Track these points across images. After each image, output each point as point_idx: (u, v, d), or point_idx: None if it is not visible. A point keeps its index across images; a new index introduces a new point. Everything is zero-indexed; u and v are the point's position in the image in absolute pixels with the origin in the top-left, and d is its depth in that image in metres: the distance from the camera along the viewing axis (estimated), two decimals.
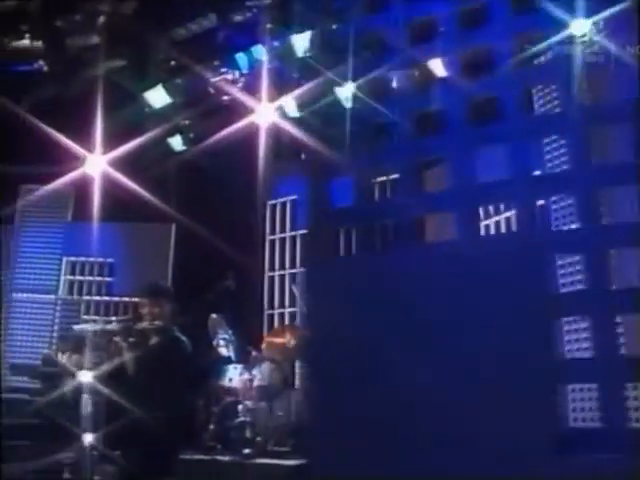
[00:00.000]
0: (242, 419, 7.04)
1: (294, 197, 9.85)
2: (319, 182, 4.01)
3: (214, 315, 8.00)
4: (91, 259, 10.17)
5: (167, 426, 4.03)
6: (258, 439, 6.91)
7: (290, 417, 7.53)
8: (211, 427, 7.28)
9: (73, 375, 7.01)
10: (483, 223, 6.90)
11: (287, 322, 9.52)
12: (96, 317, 3.93)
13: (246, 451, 6.61)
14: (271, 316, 9.80)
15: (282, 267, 9.85)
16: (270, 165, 9.55)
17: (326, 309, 3.66)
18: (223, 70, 7.68)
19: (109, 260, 10.19)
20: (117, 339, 4.05)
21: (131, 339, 4.05)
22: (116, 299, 10.02)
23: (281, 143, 8.59)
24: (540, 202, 5.19)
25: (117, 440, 4.17)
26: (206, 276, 8.20)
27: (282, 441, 7.29)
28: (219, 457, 6.64)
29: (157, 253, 10.06)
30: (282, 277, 9.84)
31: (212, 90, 7.94)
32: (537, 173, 4.93)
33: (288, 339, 7.72)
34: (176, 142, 9.20)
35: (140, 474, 3.85)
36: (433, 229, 5.63)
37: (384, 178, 7.85)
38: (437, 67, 5.50)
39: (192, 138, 9.21)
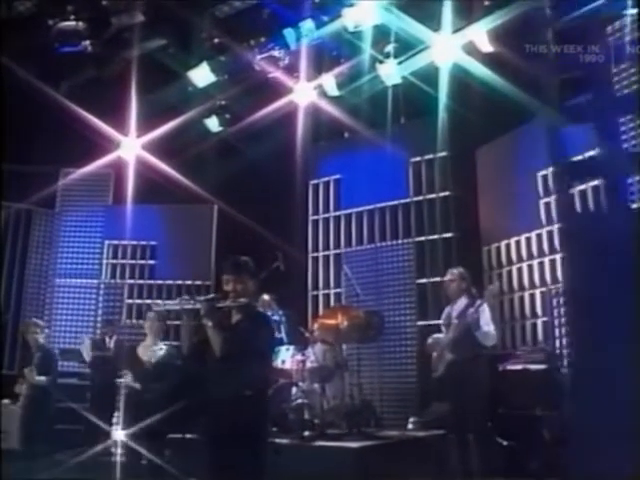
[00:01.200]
0: (300, 401, 6.94)
1: (337, 176, 9.64)
2: (555, 133, 3.78)
3: (265, 296, 7.90)
4: (133, 242, 10.05)
5: (259, 404, 3.93)
6: (316, 421, 6.80)
7: (344, 398, 7.44)
8: None
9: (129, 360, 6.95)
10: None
11: (332, 303, 9.38)
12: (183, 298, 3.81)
13: (306, 433, 6.51)
14: (316, 297, 9.65)
15: (326, 248, 9.67)
16: (312, 144, 9.40)
17: (595, 266, 3.36)
18: (270, 46, 7.47)
19: (151, 243, 10.10)
20: (203, 320, 3.92)
21: (216, 318, 3.93)
22: (159, 282, 9.97)
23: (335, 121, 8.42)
24: None
25: (205, 425, 4.06)
26: (249, 257, 8.06)
27: (336, 423, 7.19)
28: (277, 440, 6.54)
29: (200, 235, 9.97)
30: (326, 257, 9.66)
31: (257, 67, 7.74)
32: None
33: (341, 320, 7.58)
34: (212, 123, 9.03)
35: (233, 463, 3.71)
36: None
37: None
38: None
39: (229, 119, 9.05)
